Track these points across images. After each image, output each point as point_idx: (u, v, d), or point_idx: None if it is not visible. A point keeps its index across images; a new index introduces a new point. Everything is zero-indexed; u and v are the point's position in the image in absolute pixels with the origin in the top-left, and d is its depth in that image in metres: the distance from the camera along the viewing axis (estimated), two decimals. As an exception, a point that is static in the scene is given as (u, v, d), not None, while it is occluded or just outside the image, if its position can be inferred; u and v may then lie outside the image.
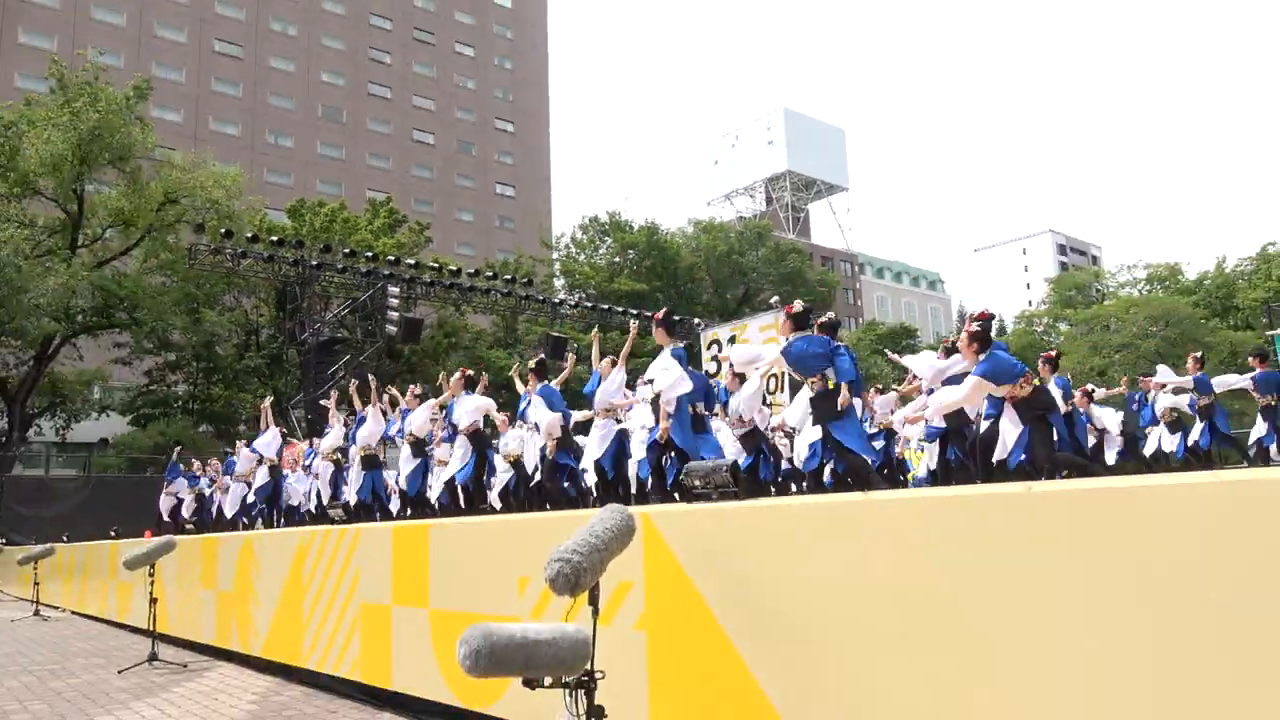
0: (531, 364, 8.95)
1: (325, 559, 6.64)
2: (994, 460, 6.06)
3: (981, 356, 5.94)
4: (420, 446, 9.77)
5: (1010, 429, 5.98)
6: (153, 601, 7.96)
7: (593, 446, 7.97)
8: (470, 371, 9.56)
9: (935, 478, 8.26)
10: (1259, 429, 10.42)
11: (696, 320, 29.02)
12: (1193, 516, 2.44)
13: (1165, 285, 44.14)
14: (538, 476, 9.09)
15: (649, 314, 30.94)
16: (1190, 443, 10.71)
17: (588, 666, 3.08)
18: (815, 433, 7.16)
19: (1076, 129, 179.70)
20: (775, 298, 22.33)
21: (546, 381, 8.70)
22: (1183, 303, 38.36)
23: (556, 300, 31.75)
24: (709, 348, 19.74)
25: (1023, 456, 5.92)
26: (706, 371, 18.48)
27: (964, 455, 7.21)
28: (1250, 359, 10.87)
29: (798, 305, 6.49)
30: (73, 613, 13.88)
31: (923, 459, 10.34)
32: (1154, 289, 44.29)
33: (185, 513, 15.15)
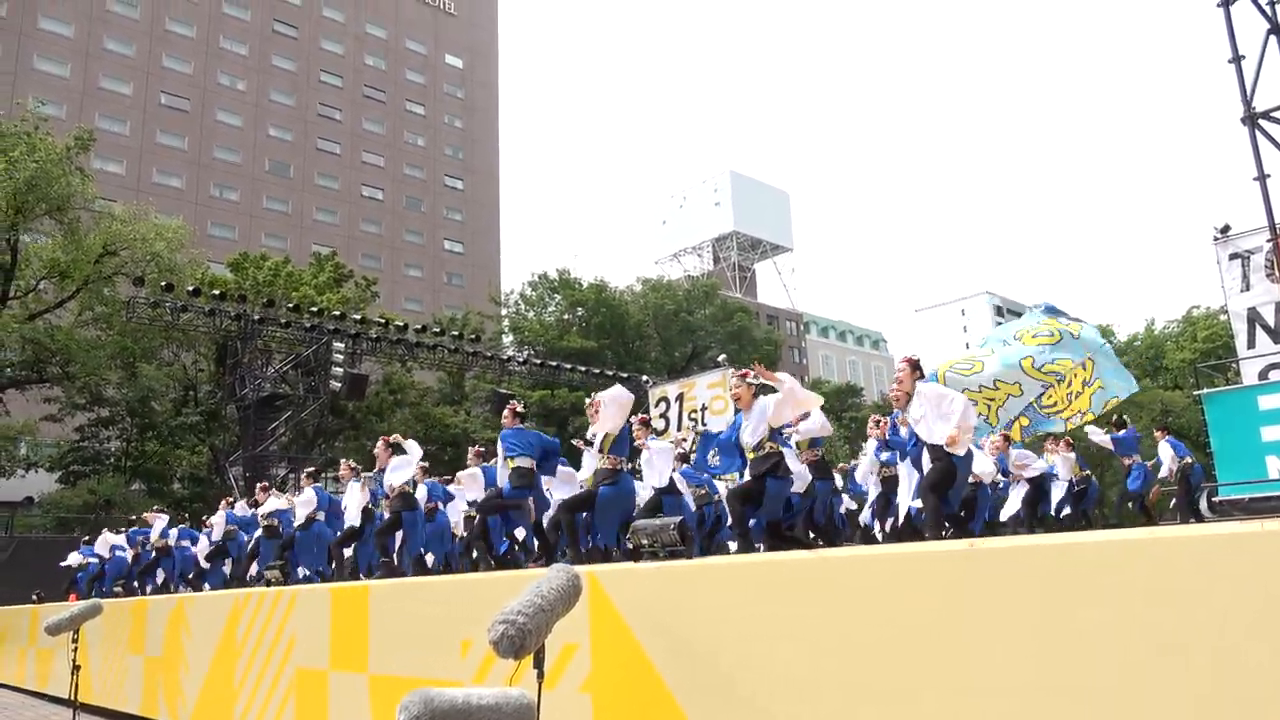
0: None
1: (260, 622, 6.42)
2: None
3: None
4: None
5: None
6: (75, 669, 7.60)
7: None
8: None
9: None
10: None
11: (645, 378, 29.08)
12: (1119, 568, 2.50)
13: (1098, 346, 45.60)
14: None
15: (597, 370, 31.05)
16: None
17: (532, 732, 3.01)
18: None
19: (1011, 195, 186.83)
20: (723, 355, 22.51)
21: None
22: (1115, 363, 39.45)
23: (505, 357, 31.61)
24: (657, 405, 19.76)
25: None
26: (655, 429, 18.51)
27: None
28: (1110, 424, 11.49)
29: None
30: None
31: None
32: (1087, 350, 45.66)
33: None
